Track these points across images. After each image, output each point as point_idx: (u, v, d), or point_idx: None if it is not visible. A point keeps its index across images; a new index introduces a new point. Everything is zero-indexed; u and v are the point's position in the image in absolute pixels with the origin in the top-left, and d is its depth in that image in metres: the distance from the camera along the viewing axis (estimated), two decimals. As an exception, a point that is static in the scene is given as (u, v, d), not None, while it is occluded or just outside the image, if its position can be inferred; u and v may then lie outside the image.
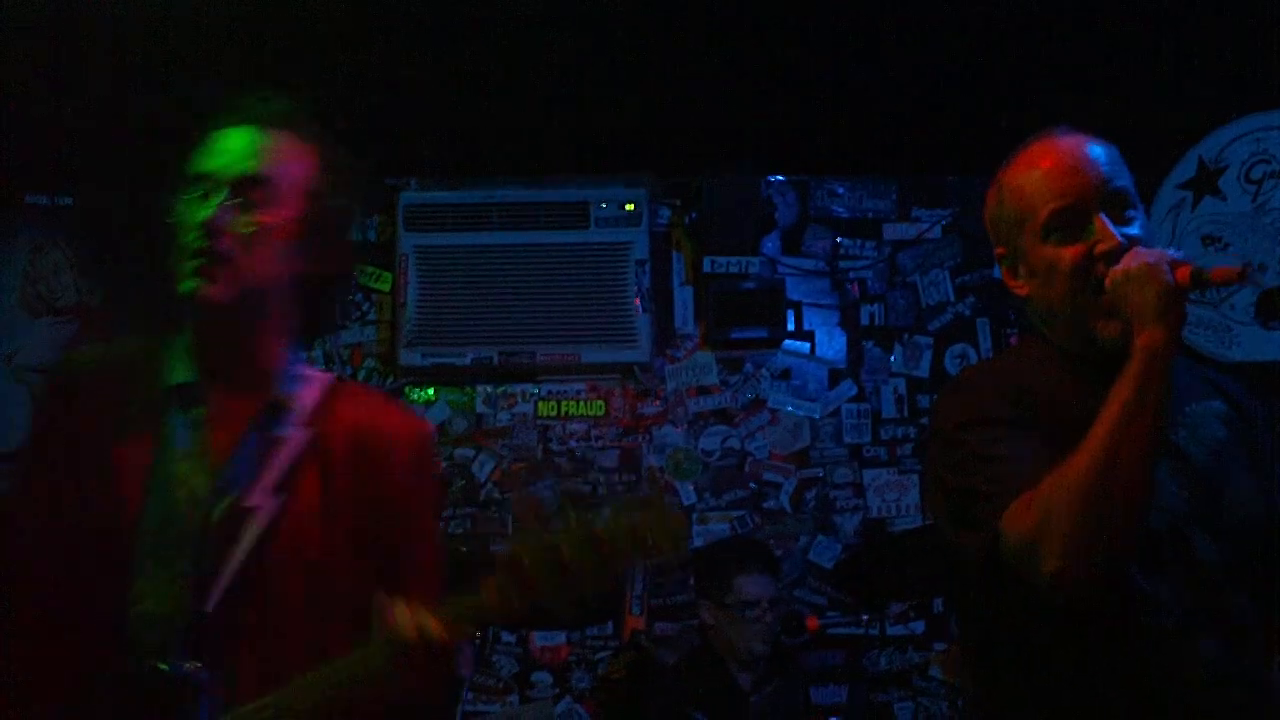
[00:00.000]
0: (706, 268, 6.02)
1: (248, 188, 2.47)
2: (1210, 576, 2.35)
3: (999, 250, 2.59)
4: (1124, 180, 2.46)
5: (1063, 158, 2.47)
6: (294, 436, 2.46)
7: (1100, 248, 2.38)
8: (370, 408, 2.58)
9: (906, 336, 6.12)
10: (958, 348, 6.09)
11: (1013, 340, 5.98)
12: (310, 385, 2.54)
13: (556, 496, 5.93)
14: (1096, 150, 2.48)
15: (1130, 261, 2.28)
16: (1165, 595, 2.32)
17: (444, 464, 5.99)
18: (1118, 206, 2.43)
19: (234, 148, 2.52)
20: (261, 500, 2.38)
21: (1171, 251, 2.29)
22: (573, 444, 6.03)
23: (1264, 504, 2.45)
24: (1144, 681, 2.31)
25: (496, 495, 5.98)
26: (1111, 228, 2.38)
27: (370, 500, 2.44)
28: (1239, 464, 2.44)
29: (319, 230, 2.51)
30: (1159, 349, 2.22)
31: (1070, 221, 2.42)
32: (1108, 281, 2.32)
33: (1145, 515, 2.25)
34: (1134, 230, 2.40)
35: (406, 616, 2.17)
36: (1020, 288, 2.55)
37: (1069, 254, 2.42)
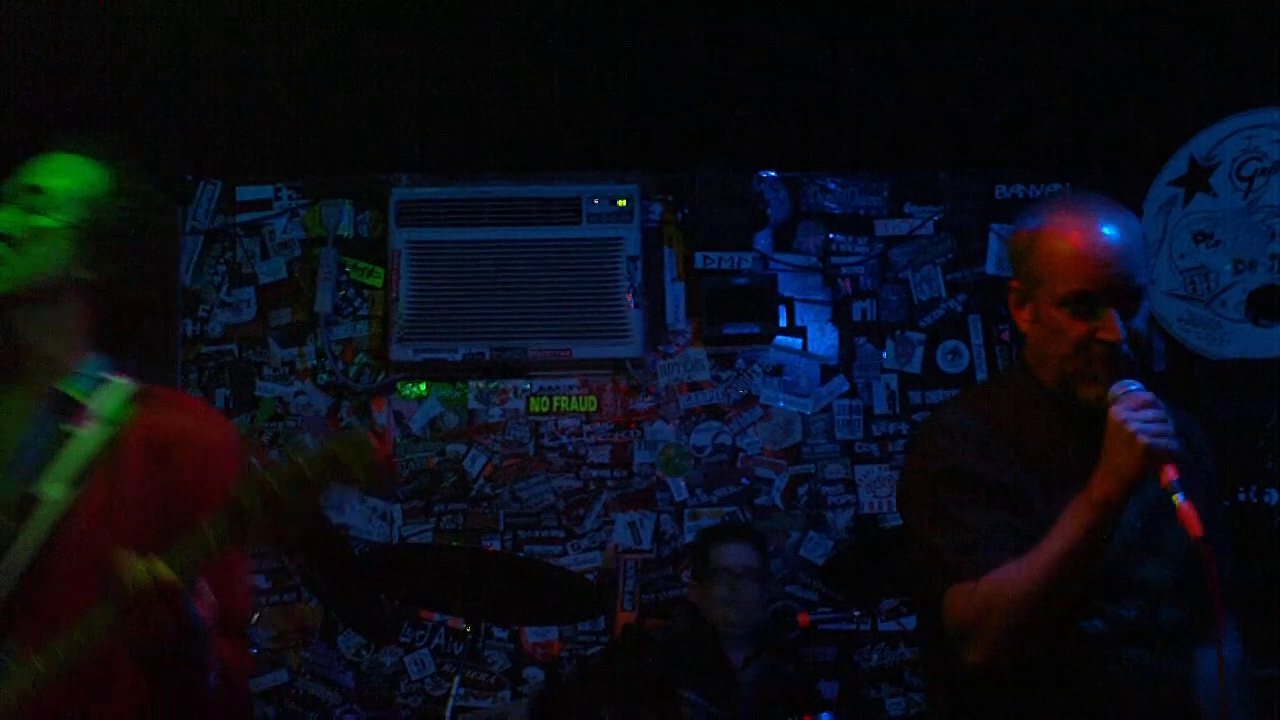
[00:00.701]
0: (698, 263, 6.01)
1: (26, 194, 2.66)
2: (1152, 595, 2.67)
3: (1015, 283, 2.84)
4: (1141, 277, 2.71)
5: (1093, 244, 2.70)
6: (87, 433, 2.61)
7: (1102, 335, 2.66)
8: (171, 412, 2.73)
9: (898, 332, 6.12)
10: (949, 344, 6.10)
11: (1004, 335, 5.99)
12: (112, 389, 2.69)
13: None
14: (1124, 242, 2.71)
15: (1136, 425, 2.51)
16: (1109, 608, 2.64)
17: (436, 459, 5.99)
18: (1129, 301, 2.69)
19: (33, 165, 2.72)
20: (52, 491, 2.53)
21: (1168, 440, 2.50)
22: (564, 440, 6.04)
23: (1209, 527, 2.59)
24: (1081, 685, 2.63)
25: (489, 491, 5.99)
26: (1118, 322, 2.66)
27: (160, 497, 2.58)
28: (1189, 493, 2.58)
29: (99, 238, 2.66)
30: (1113, 506, 2.51)
31: (1084, 302, 2.68)
32: (1112, 416, 2.54)
33: (1065, 626, 2.60)
34: (1137, 323, 2.69)
35: (136, 564, 2.28)
36: (1023, 322, 2.83)
37: (1076, 328, 2.69)
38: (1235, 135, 5.58)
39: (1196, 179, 5.62)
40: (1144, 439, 2.49)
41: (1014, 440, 2.73)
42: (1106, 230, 2.73)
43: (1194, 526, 2.44)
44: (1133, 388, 2.59)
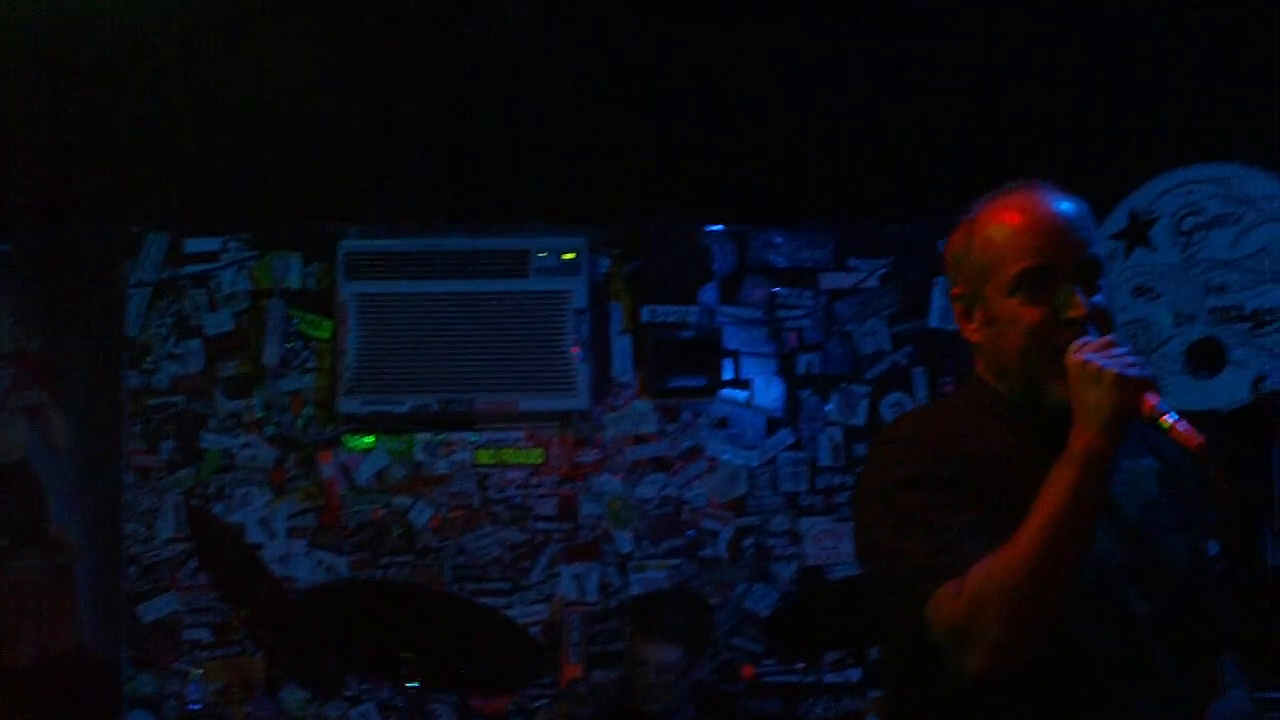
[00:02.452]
0: (645, 317, 6.05)
1: None
2: (1141, 632, 2.37)
3: (956, 290, 2.52)
4: (1097, 247, 2.43)
5: (1040, 215, 2.41)
6: None
7: (1067, 315, 2.35)
8: None
9: (843, 385, 6.16)
10: (894, 396, 6.13)
11: (948, 388, 6.03)
12: None
13: None
14: (1073, 211, 2.44)
15: (1099, 359, 2.24)
16: (1097, 650, 2.34)
17: (382, 511, 5.99)
18: (1089, 275, 2.39)
19: None
20: None
21: (1142, 369, 2.24)
22: (511, 492, 6.04)
23: (1193, 562, 2.48)
24: None
25: (435, 543, 5.98)
26: (1081, 297, 2.35)
27: None
28: (1171, 522, 2.46)
29: None
30: (1098, 456, 2.21)
31: (1038, 281, 2.37)
32: (1071, 357, 2.28)
33: (1064, 619, 2.28)
34: (1100, 299, 2.39)
35: None
36: (973, 332, 2.51)
37: (1032, 314, 2.38)
38: (1174, 190, 5.64)
39: (1136, 233, 5.68)
40: (1113, 369, 2.21)
41: (974, 452, 2.41)
42: (1051, 201, 2.45)
43: (1191, 438, 2.19)
44: (1090, 337, 2.31)
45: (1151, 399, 2.22)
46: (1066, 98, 5.09)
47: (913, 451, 2.42)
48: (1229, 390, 5.31)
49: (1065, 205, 2.43)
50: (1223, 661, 2.59)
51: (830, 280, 6.21)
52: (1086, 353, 2.25)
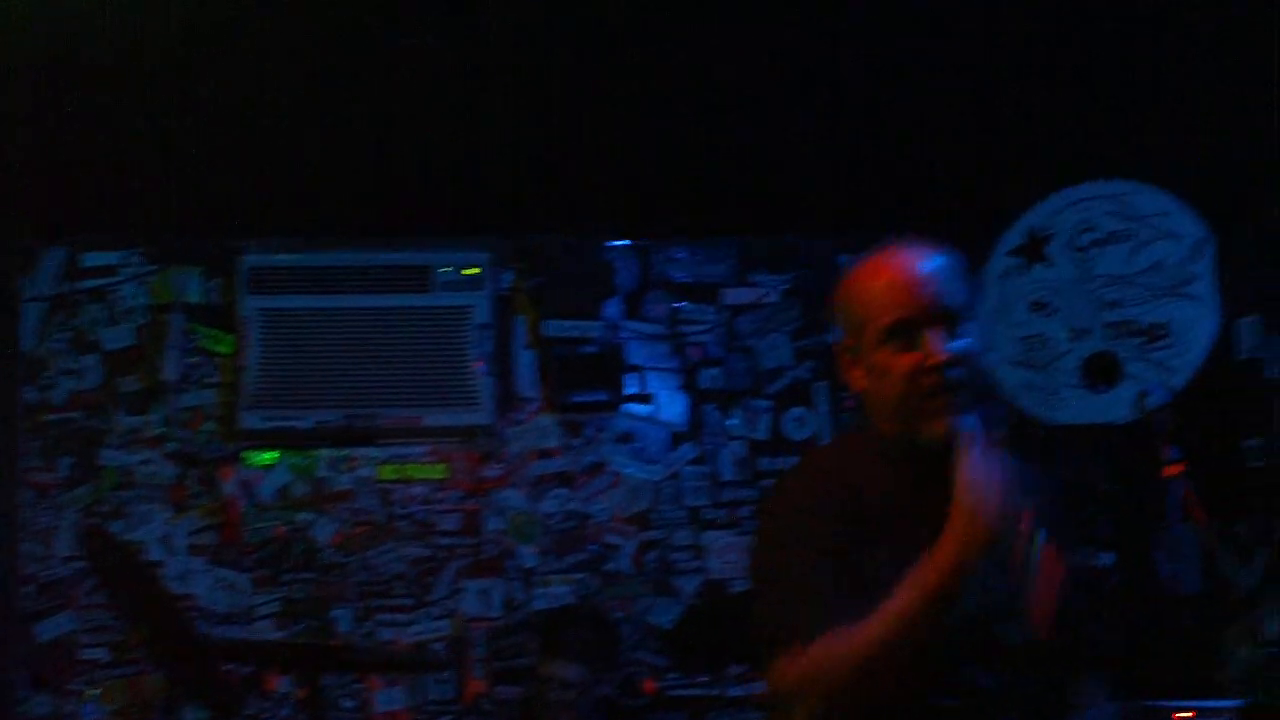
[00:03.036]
0: (548, 332, 6.07)
1: None
2: (1014, 660, 2.58)
3: (841, 345, 2.76)
4: (958, 297, 2.66)
5: (905, 273, 2.66)
6: None
7: (929, 361, 2.59)
8: None
9: (746, 400, 6.19)
10: (796, 411, 6.18)
11: (849, 403, 6.08)
12: None
13: None
14: (935, 266, 2.67)
15: (985, 480, 2.44)
16: (973, 678, 2.56)
17: (285, 528, 5.94)
18: (950, 323, 2.62)
19: None
20: None
21: (1017, 498, 2.44)
22: (414, 508, 6.02)
23: (1068, 590, 2.58)
24: None
25: (338, 559, 5.94)
26: (938, 343, 2.59)
27: None
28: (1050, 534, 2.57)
29: None
30: (956, 574, 2.42)
31: (906, 332, 2.61)
32: (963, 478, 2.45)
33: (937, 653, 2.48)
34: (963, 344, 2.62)
35: None
36: (857, 381, 2.73)
37: (902, 361, 2.61)
38: (1071, 207, 5.73)
39: (1034, 249, 5.76)
40: (988, 511, 2.41)
41: (859, 499, 2.63)
42: (917, 260, 2.69)
43: (1054, 571, 2.43)
44: (972, 427, 2.53)
45: (1025, 524, 2.45)
46: (965, 117, 5.16)
47: (796, 506, 2.68)
48: (1120, 405, 5.41)
49: (928, 261, 2.68)
50: (1088, 678, 2.74)
51: (732, 295, 6.25)
52: (975, 468, 2.46)
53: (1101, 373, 5.58)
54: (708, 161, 5.46)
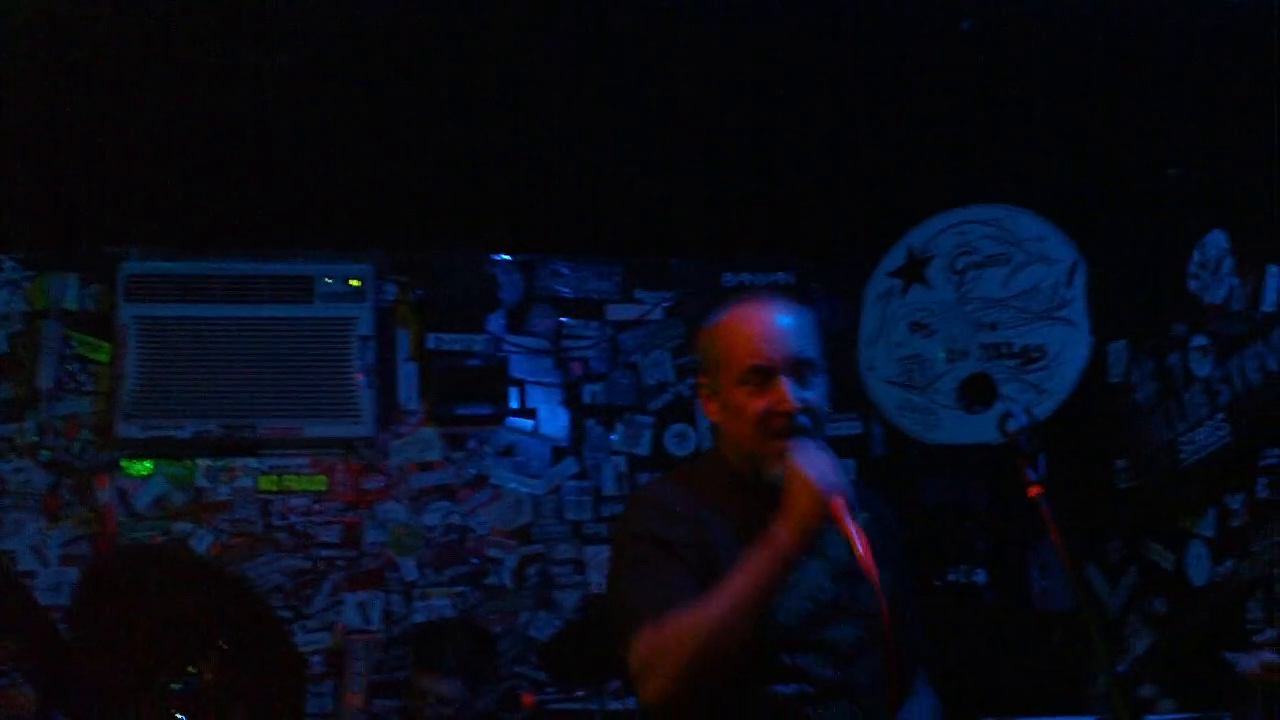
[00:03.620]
0: (431, 344, 6.08)
1: None
2: (846, 654, 2.86)
3: (702, 379, 3.06)
4: (810, 352, 2.96)
5: (764, 324, 2.96)
6: None
7: (780, 406, 2.88)
8: None
9: (628, 415, 6.24)
10: (678, 427, 6.23)
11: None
12: None
13: None
14: (791, 322, 2.98)
15: (810, 468, 2.75)
16: (808, 669, 2.81)
17: (161, 538, 5.88)
18: (801, 373, 2.92)
19: None
20: None
21: (836, 481, 2.74)
22: (294, 519, 5.98)
23: (891, 596, 2.79)
24: None
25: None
26: (790, 392, 2.88)
27: None
28: (877, 562, 2.76)
29: None
30: (788, 550, 2.72)
31: (760, 378, 2.91)
32: (788, 461, 2.79)
33: (776, 647, 2.79)
34: (810, 394, 2.92)
35: None
36: (713, 413, 3.03)
37: (755, 404, 2.90)
38: (949, 230, 5.80)
39: (913, 271, 5.83)
40: (814, 480, 2.73)
41: (705, 515, 2.91)
42: (777, 314, 3.00)
43: (857, 545, 2.67)
44: (808, 443, 2.84)
45: (839, 505, 2.73)
46: (845, 141, 5.21)
47: (649, 513, 2.95)
48: (990, 426, 5.51)
49: (785, 316, 3.00)
50: (916, 674, 3.05)
51: (616, 312, 6.30)
52: (801, 458, 2.79)
53: (977, 394, 5.66)
54: (593, 179, 5.48)
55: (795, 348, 2.95)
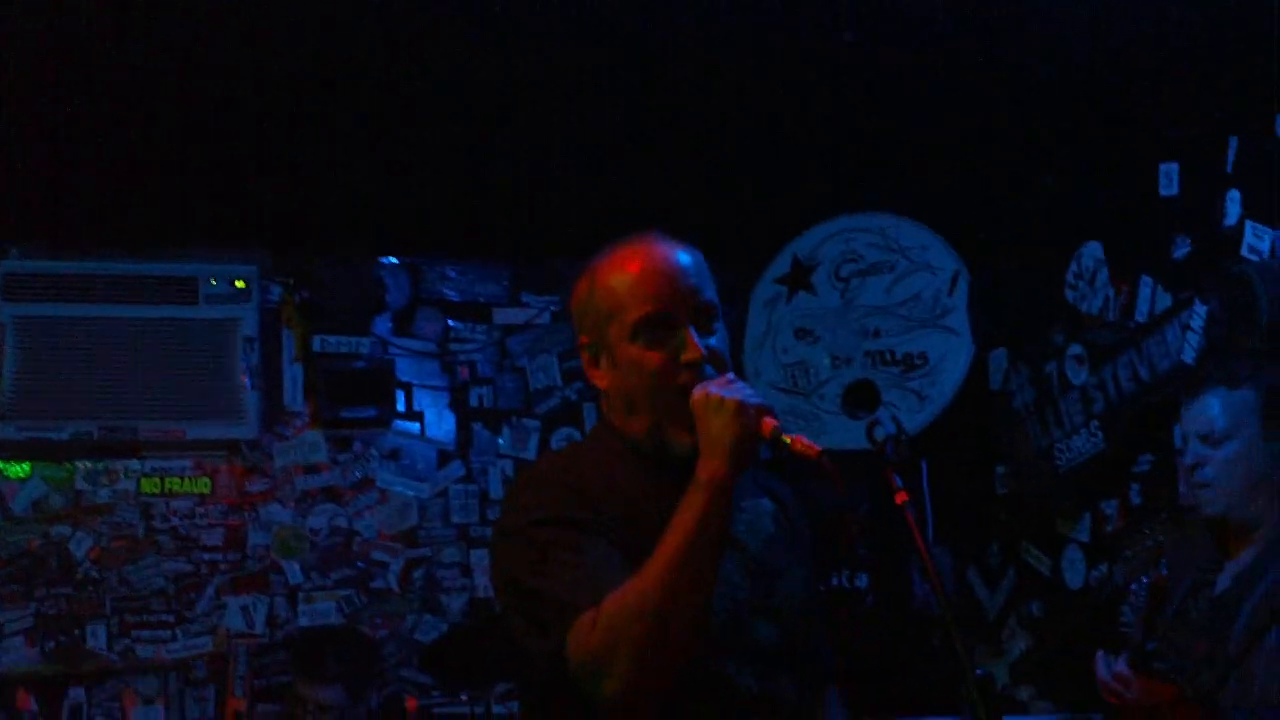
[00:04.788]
0: (317, 346, 6.04)
1: None
2: (768, 660, 2.49)
3: (583, 339, 2.60)
4: (711, 293, 2.53)
5: (655, 264, 2.51)
6: None
7: (685, 357, 2.45)
8: None
9: (515, 419, 6.24)
10: (564, 431, 6.24)
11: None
12: None
13: None
14: (687, 260, 2.53)
15: (721, 391, 2.36)
16: (729, 678, 2.43)
17: (39, 542, 5.79)
18: (704, 318, 2.50)
19: None
20: None
21: (759, 398, 2.38)
22: (176, 521, 5.92)
23: (808, 595, 2.64)
24: None
25: (95, 574, 5.81)
26: (696, 338, 2.45)
27: None
28: (787, 557, 2.60)
29: None
30: (722, 484, 2.31)
31: (658, 326, 2.47)
32: (693, 396, 2.39)
33: (703, 634, 2.35)
34: (714, 341, 2.50)
35: None
36: (600, 379, 2.58)
37: (654, 357, 2.47)
38: (835, 237, 5.86)
39: (799, 278, 5.88)
40: (735, 397, 2.33)
41: (605, 496, 2.46)
42: (667, 251, 2.55)
43: (810, 449, 2.36)
44: (710, 375, 2.43)
45: (771, 421, 2.36)
46: (733, 146, 5.25)
47: (547, 493, 2.48)
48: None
49: (680, 255, 2.54)
50: (828, 691, 2.71)
51: (503, 315, 6.30)
52: (709, 385, 2.38)
53: (860, 400, 5.72)
54: (481, 182, 5.47)
55: (693, 287, 2.51)
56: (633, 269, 2.52)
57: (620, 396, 2.55)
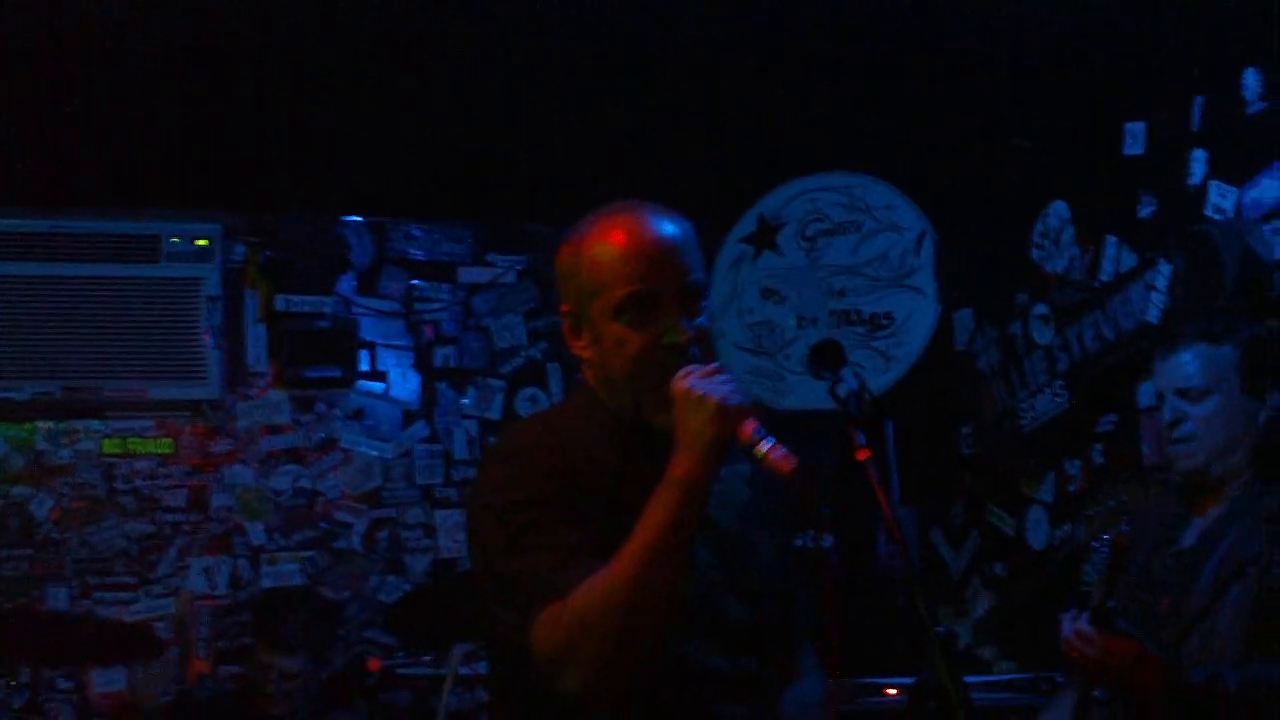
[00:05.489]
0: (280, 306, 6.01)
1: None
2: (740, 639, 2.47)
3: (565, 307, 2.54)
4: (699, 272, 2.46)
5: (644, 240, 2.42)
6: None
7: (669, 340, 2.38)
8: None
9: (479, 379, 6.22)
10: (529, 391, 6.23)
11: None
12: None
13: None
14: (677, 236, 2.45)
15: (703, 387, 2.29)
16: (698, 657, 2.42)
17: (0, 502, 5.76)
18: (691, 298, 2.43)
19: None
20: None
21: (743, 396, 2.30)
22: (139, 483, 5.88)
23: (780, 565, 2.59)
24: None
25: (56, 535, 5.78)
26: (683, 323, 2.39)
27: None
28: (761, 526, 2.56)
29: None
30: (695, 483, 2.27)
31: (642, 306, 2.40)
32: (674, 385, 2.32)
33: (668, 632, 2.32)
34: (702, 321, 2.44)
35: None
36: (582, 349, 2.52)
37: (638, 339, 2.40)
38: (801, 196, 5.84)
39: (765, 237, 5.86)
40: (715, 397, 2.26)
41: (583, 468, 2.41)
42: (656, 225, 2.45)
43: (784, 465, 2.26)
44: (695, 361, 2.36)
45: (749, 426, 2.28)
46: (700, 106, 5.23)
47: (524, 470, 2.42)
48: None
49: (669, 229, 2.45)
50: (802, 650, 2.70)
51: (468, 275, 6.27)
52: (691, 380, 2.31)
53: (826, 360, 5.70)
54: (447, 141, 5.44)
55: (682, 266, 2.43)
56: (619, 243, 2.44)
57: (601, 370, 2.50)
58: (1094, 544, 4.98)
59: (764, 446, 2.27)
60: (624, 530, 2.29)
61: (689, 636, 2.39)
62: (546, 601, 2.27)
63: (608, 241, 2.45)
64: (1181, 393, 3.51)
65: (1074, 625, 3.30)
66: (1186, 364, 3.52)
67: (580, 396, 2.59)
